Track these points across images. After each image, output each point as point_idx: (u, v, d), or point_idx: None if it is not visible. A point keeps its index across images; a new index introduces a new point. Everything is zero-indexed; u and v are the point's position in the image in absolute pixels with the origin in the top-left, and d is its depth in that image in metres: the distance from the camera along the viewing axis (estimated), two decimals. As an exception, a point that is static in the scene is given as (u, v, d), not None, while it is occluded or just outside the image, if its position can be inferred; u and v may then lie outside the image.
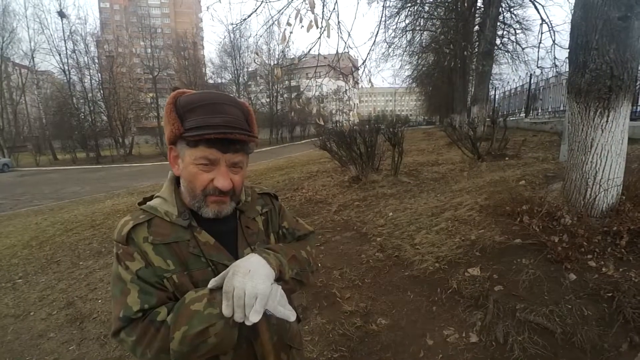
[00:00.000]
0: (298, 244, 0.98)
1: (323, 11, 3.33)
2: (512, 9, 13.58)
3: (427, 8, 14.48)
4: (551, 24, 7.26)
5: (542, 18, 7.14)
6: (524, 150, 6.85)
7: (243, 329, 0.73)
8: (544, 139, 8.17)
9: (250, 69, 37.32)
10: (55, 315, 3.02)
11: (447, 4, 14.82)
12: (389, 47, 14.73)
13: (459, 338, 2.01)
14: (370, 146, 6.37)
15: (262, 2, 3.96)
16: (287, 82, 37.63)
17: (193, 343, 0.68)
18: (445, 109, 25.28)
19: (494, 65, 14.71)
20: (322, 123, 5.70)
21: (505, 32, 14.72)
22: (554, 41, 7.00)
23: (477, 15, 13.77)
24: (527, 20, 13.60)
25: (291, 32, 3.39)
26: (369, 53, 5.15)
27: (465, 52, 14.92)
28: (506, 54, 15.74)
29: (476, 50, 14.38)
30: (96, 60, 29.64)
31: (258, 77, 38.20)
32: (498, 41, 14.21)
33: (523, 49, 14.13)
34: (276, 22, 4.26)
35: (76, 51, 27.83)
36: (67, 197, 10.75)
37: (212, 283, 0.72)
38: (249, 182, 1.02)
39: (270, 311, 0.71)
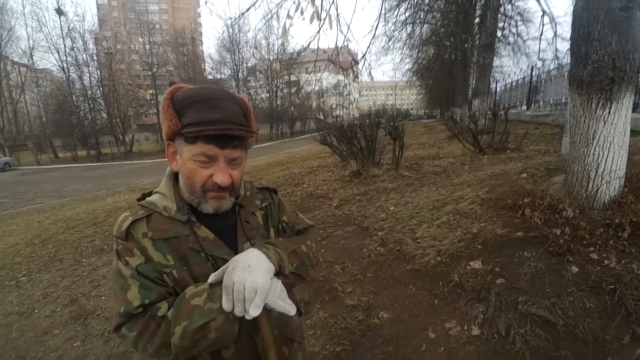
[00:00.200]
0: (298, 238, 0.97)
1: (322, 3, 3.30)
2: (513, 1, 13.43)
3: (427, 0, 14.32)
4: (552, 15, 7.19)
5: (543, 9, 7.05)
6: (526, 143, 6.83)
7: (244, 323, 0.73)
8: (546, 131, 8.13)
9: (249, 64, 37.14)
10: (59, 312, 3.04)
11: (447, -4, 14.66)
12: (389, 40, 14.56)
13: (461, 331, 2.02)
14: (371, 140, 6.35)
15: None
16: (286, 77, 37.43)
17: (194, 338, 0.68)
18: (446, 102, 25.15)
19: (495, 58, 14.56)
20: (322, 118, 5.68)
21: (506, 24, 14.52)
22: (555, 33, 6.92)
23: (477, 7, 13.58)
24: (528, 12, 13.38)
25: (291, 25, 3.36)
26: (368, 46, 5.13)
27: (465, 45, 14.78)
28: (507, 46, 15.53)
29: (477, 42, 14.25)
30: (95, 58, 29.45)
31: (257, 73, 37.99)
32: (499, 33, 14.03)
33: (524, 40, 13.95)
34: (275, 16, 4.22)
35: (75, 48, 27.64)
36: (68, 195, 10.77)
37: (212, 278, 0.72)
38: (248, 176, 1.02)
39: (271, 305, 0.72)
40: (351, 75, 4.44)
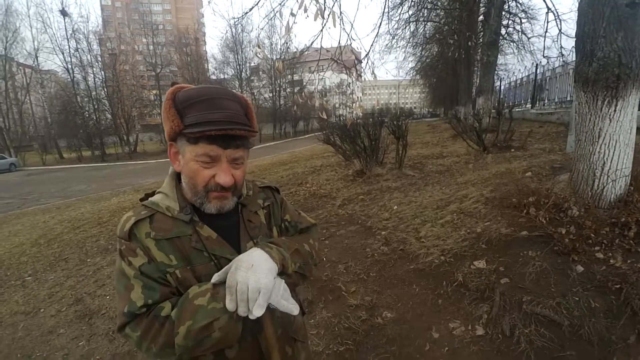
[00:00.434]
0: (301, 237, 0.97)
1: (325, 1, 3.29)
2: (517, -2, 13.30)
3: (430, -2, 14.23)
4: (557, 12, 7.09)
5: (547, 6, 6.99)
6: (530, 142, 6.78)
7: (247, 323, 0.73)
8: (551, 129, 8.06)
9: (252, 64, 37.20)
10: (65, 312, 3.06)
11: (451, -6, 14.58)
12: (392, 38, 14.54)
13: (465, 331, 2.01)
14: (374, 139, 6.34)
15: (263, -5, 3.93)
16: (289, 76, 37.46)
17: (197, 337, 0.68)
18: (450, 100, 25.03)
19: (499, 56, 14.45)
20: (325, 117, 5.68)
21: (510, 22, 14.44)
22: (560, 30, 6.85)
23: (481, 4, 13.51)
24: (532, 9, 13.28)
25: (295, 22, 3.35)
26: (372, 45, 5.09)
27: (469, 43, 14.71)
28: (511, 43, 15.45)
29: (481, 40, 14.18)
30: (99, 58, 29.70)
31: (261, 72, 38.06)
32: (503, 31, 13.95)
33: (529, 38, 13.85)
34: (278, 14, 4.22)
35: (79, 49, 27.89)
36: (73, 195, 10.86)
37: (215, 278, 0.72)
38: (251, 176, 1.02)
39: (274, 305, 0.72)
40: (354, 74, 4.43)
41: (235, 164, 0.78)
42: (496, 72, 14.83)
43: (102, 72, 29.68)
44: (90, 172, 19.01)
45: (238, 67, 35.54)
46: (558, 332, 1.83)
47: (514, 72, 16.03)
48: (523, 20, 13.60)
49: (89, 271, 3.87)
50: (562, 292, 2.04)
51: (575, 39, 2.83)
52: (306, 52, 4.39)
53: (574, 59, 3.24)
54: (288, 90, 39.03)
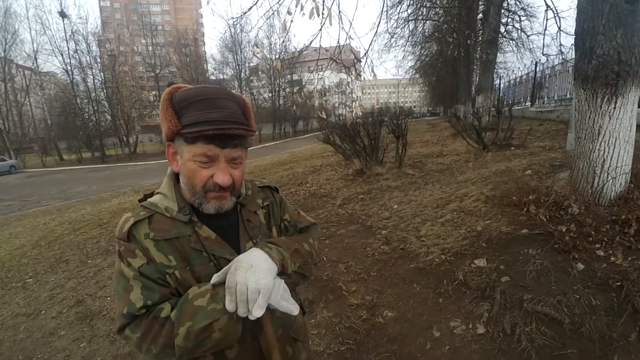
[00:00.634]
0: (300, 237, 0.97)
1: (323, 0, 3.28)
2: (516, -4, 13.29)
3: (429, -3, 14.20)
4: (556, 9, 7.06)
5: (547, 4, 6.97)
6: (530, 140, 6.77)
7: (247, 323, 0.73)
8: (550, 127, 8.05)
9: (251, 64, 37.17)
10: (66, 314, 3.06)
11: (450, -8, 14.55)
12: (391, 37, 14.51)
13: (466, 329, 2.01)
14: (374, 139, 6.34)
15: (262, -6, 3.92)
16: (289, 76, 37.43)
17: (198, 338, 0.68)
18: (450, 99, 25.04)
19: (498, 54, 14.44)
20: (324, 116, 5.67)
21: (509, 20, 14.44)
22: (559, 27, 6.84)
23: (480, 2, 13.50)
24: (531, 7, 13.28)
25: (292, 21, 3.35)
26: (371, 44, 5.08)
27: (469, 41, 14.69)
28: (511, 41, 15.44)
29: (480, 38, 14.16)
30: (98, 60, 29.69)
31: (260, 72, 38.05)
32: (502, 29, 13.94)
33: (528, 36, 13.85)
34: (276, 13, 4.21)
35: (78, 51, 27.90)
36: (74, 196, 10.86)
37: (215, 278, 0.72)
38: (250, 176, 1.02)
39: (274, 305, 0.71)
40: (353, 73, 4.43)
41: (233, 164, 0.78)
42: (495, 70, 14.82)
43: (102, 74, 29.69)
44: (91, 173, 19.01)
45: (237, 67, 35.53)
46: (559, 330, 1.83)
47: (513, 70, 16.06)
48: (522, 18, 13.61)
49: (89, 272, 3.87)
50: (563, 290, 2.04)
51: (574, 37, 2.82)
52: (305, 52, 4.38)
53: (573, 56, 3.23)
54: (287, 90, 39.01)
